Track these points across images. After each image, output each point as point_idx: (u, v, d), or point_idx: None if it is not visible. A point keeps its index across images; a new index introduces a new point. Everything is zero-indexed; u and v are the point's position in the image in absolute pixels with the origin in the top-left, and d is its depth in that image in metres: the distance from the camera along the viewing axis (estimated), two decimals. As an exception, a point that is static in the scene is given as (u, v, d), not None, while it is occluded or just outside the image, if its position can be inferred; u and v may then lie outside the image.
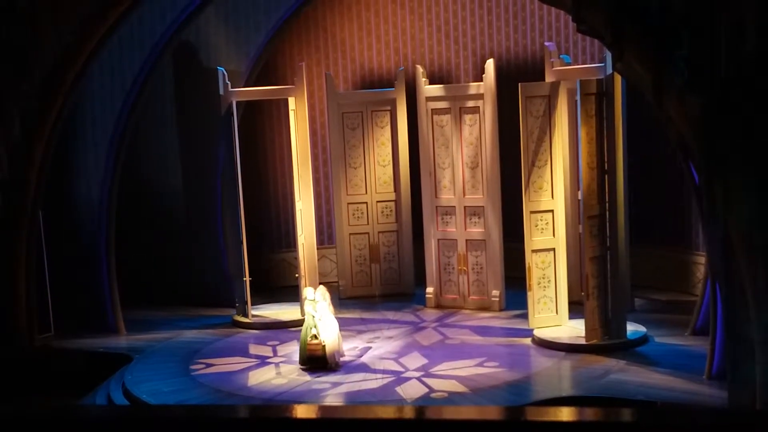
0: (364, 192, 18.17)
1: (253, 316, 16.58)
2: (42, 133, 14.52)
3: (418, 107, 17.01)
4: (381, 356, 14.22)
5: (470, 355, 14.07)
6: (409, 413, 3.84)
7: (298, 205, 16.92)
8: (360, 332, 15.62)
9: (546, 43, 16.03)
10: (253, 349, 15.10)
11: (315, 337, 13.54)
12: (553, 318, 15.02)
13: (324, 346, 13.51)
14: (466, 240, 16.76)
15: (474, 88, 16.54)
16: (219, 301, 17.55)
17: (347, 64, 19.57)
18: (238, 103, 16.63)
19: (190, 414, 3.93)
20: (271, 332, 15.99)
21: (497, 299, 16.52)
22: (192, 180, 18.15)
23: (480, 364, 13.63)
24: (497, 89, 16.19)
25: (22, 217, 14.73)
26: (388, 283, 18.23)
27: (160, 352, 15.14)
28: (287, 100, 17.06)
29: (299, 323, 16.12)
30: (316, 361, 13.57)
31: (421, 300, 17.29)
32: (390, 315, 16.73)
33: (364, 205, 18.18)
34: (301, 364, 13.73)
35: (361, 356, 14.25)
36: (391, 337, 15.23)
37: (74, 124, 16.40)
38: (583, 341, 13.96)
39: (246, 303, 16.49)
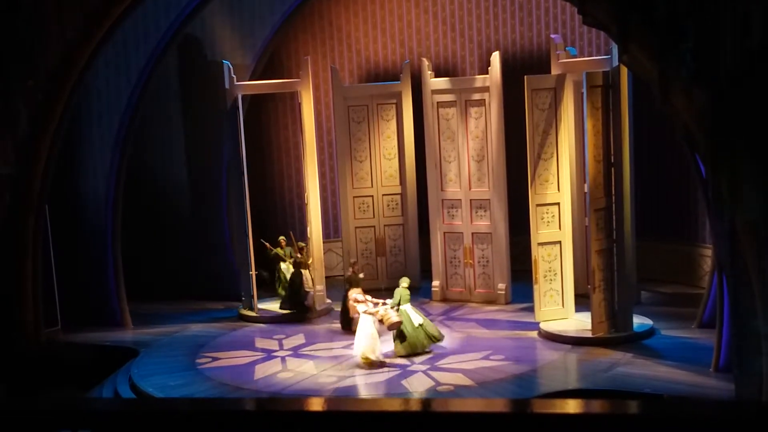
0: (370, 185, 18.16)
1: (259, 309, 16.59)
2: (48, 129, 14.54)
3: (424, 100, 16.99)
4: (387, 349, 14.21)
5: (476, 348, 14.06)
6: (415, 406, 3.84)
7: (306, 199, 16.95)
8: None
9: (552, 36, 16.00)
10: (260, 343, 15.11)
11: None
12: (560, 311, 15.01)
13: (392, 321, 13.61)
14: (472, 233, 16.76)
15: (480, 80, 16.52)
16: (225, 295, 17.56)
17: (352, 57, 19.55)
18: (243, 96, 16.63)
19: (196, 407, 3.93)
20: (277, 326, 16.00)
21: (503, 292, 16.51)
22: (197, 174, 18.16)
23: (486, 357, 13.63)
24: (503, 82, 16.16)
25: (29, 212, 14.75)
26: (394, 276, 18.16)
27: (167, 345, 15.16)
28: (293, 93, 17.06)
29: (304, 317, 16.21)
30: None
31: (428, 293, 17.28)
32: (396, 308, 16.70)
33: (370, 198, 18.17)
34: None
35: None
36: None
37: (80, 119, 16.42)
38: (589, 334, 13.95)
39: (252, 296, 16.51)
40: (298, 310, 16.24)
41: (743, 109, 9.63)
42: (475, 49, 19.12)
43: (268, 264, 17.40)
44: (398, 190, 18.15)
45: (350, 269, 15.32)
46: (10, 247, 14.61)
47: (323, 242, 17.28)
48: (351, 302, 14.14)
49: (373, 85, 18.53)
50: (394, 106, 17.99)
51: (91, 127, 16.69)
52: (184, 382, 13.25)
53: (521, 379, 12.66)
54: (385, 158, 18.11)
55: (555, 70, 15.29)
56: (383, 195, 18.18)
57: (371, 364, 13.26)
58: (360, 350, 13.39)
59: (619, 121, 13.85)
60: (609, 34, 11.53)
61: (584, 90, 13.88)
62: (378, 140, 18.06)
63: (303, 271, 16.31)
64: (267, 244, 17.06)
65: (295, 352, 14.45)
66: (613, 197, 13.97)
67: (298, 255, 16.39)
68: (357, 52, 19.52)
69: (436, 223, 17.08)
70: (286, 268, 16.76)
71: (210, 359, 14.29)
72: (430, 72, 16.91)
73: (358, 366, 13.37)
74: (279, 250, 16.90)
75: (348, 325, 14.77)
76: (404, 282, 14.00)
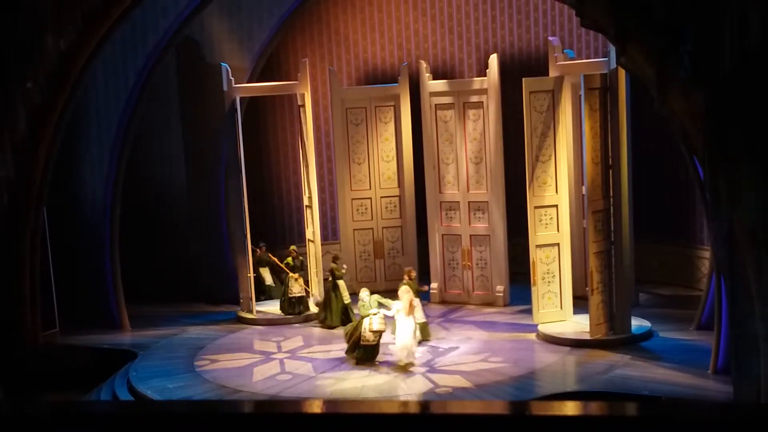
0: (368, 187, 18.15)
1: (258, 312, 16.58)
2: (46, 131, 14.53)
3: (422, 102, 16.99)
4: (385, 352, 14.20)
5: (474, 351, 14.07)
6: (413, 408, 3.83)
7: (306, 201, 16.95)
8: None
9: (549, 38, 16.01)
10: (258, 345, 15.11)
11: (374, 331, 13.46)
12: (558, 313, 15.01)
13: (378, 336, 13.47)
14: (471, 235, 16.76)
15: (477, 83, 16.52)
16: (223, 297, 17.55)
17: (351, 60, 19.55)
18: (241, 99, 16.63)
19: (195, 409, 3.93)
20: (276, 328, 15.99)
21: (501, 294, 16.51)
22: (196, 177, 18.15)
23: (484, 360, 13.62)
24: (501, 84, 16.17)
25: (27, 215, 14.74)
26: (392, 278, 18.15)
27: (165, 348, 15.15)
28: (291, 96, 17.03)
29: (303, 319, 16.18)
30: (368, 352, 13.55)
31: (426, 295, 17.21)
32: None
33: (368, 200, 18.17)
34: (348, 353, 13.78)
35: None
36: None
37: (78, 121, 16.41)
38: (587, 336, 13.95)
39: (250, 299, 16.50)
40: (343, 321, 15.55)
41: (741, 111, 9.64)
42: (473, 51, 19.13)
43: (276, 276, 17.16)
44: (396, 192, 18.15)
45: (405, 277, 14.70)
46: (8, 249, 14.59)
47: (321, 244, 17.28)
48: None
49: (371, 87, 18.53)
50: (392, 108, 17.99)
51: (90, 129, 16.69)
52: (183, 385, 13.24)
53: (519, 381, 12.66)
54: (383, 160, 18.10)
55: (553, 73, 15.30)
56: (381, 197, 18.18)
57: (407, 367, 13.24)
58: (404, 357, 13.27)
59: (616, 123, 13.86)
60: (607, 36, 11.54)
61: (582, 92, 13.90)
62: (376, 142, 18.06)
63: (339, 282, 15.74)
64: (275, 258, 16.88)
65: (294, 354, 14.45)
66: (611, 199, 13.97)
67: (334, 265, 15.86)
68: (355, 54, 19.52)
69: (434, 225, 17.08)
70: (295, 280, 16.24)
71: (209, 362, 14.29)
72: (428, 74, 16.92)
73: (403, 367, 13.23)
74: (290, 261, 16.48)
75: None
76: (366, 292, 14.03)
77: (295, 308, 16.26)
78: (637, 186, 15.60)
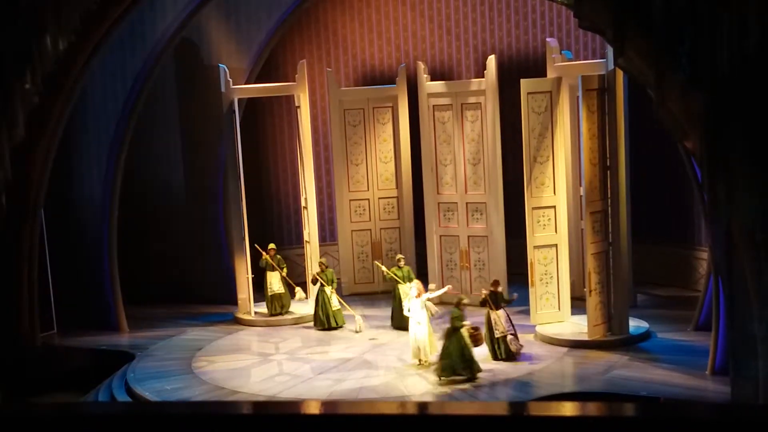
0: (366, 189, 18.15)
1: (256, 313, 16.56)
2: (45, 132, 14.53)
3: (420, 103, 16.99)
4: (383, 352, 14.21)
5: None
6: (411, 409, 3.83)
7: (303, 203, 16.93)
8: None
9: (547, 39, 16.02)
10: (256, 346, 15.10)
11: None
12: (556, 314, 15.01)
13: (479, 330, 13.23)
14: (468, 236, 16.75)
15: (475, 84, 16.53)
16: (221, 298, 17.54)
17: (348, 61, 19.55)
18: (240, 100, 16.63)
19: (193, 410, 3.93)
20: (274, 329, 15.99)
21: (500, 295, 16.49)
22: (194, 178, 18.15)
23: (482, 361, 13.60)
24: (499, 85, 16.17)
25: (25, 216, 14.73)
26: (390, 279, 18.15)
27: (163, 349, 15.14)
28: (289, 97, 17.01)
29: (301, 320, 16.14)
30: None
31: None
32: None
33: (366, 201, 18.17)
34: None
35: (364, 353, 14.26)
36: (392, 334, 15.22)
37: (76, 123, 16.40)
38: (585, 337, 13.95)
39: (249, 300, 16.48)
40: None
41: (739, 113, 9.65)
42: (471, 52, 19.13)
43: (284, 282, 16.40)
44: (394, 193, 18.15)
45: (491, 288, 14.18)
46: (6, 251, 14.59)
47: (318, 246, 17.26)
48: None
49: (369, 88, 18.53)
50: (390, 109, 17.99)
51: (88, 131, 16.68)
52: (181, 386, 13.24)
53: (517, 381, 12.66)
54: (381, 161, 18.11)
55: (551, 74, 15.30)
56: (379, 198, 18.18)
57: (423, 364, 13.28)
58: (420, 354, 13.35)
59: (614, 124, 13.87)
60: (605, 37, 11.55)
61: (580, 93, 13.90)
62: (374, 143, 18.06)
63: (401, 285, 15.25)
64: (281, 269, 16.40)
65: (292, 355, 14.44)
66: (609, 200, 13.98)
67: (397, 269, 15.50)
68: (353, 55, 19.52)
69: (432, 226, 17.08)
70: (330, 293, 15.67)
71: (206, 363, 14.28)
72: (426, 75, 16.92)
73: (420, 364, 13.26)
74: (323, 275, 15.84)
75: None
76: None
77: (330, 322, 15.67)
78: (635, 187, 15.60)
